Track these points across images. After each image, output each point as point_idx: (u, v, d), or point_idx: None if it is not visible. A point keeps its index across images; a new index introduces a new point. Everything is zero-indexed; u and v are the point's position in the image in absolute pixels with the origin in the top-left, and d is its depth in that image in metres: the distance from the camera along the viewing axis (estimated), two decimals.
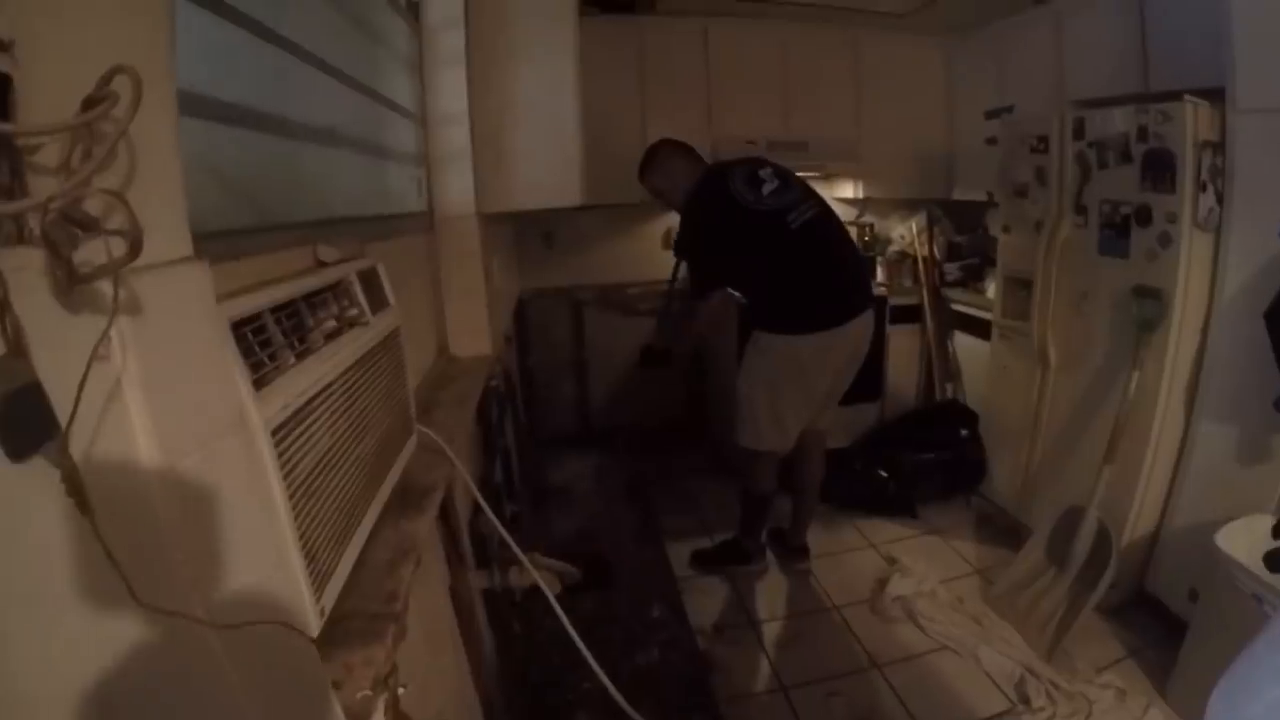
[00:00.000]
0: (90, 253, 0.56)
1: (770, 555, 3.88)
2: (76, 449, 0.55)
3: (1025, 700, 2.77)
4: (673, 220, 5.22)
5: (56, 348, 0.54)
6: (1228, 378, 2.91)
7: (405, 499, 1.61)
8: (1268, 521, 2.16)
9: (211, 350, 0.80)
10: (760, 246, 3.25)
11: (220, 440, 0.77)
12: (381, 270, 1.66)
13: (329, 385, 1.17)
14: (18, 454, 0.51)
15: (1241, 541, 2.41)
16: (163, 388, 0.66)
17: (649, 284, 5.17)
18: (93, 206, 0.55)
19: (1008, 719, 2.71)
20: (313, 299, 1.25)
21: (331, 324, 1.27)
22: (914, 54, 5.12)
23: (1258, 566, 2.12)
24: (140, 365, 0.63)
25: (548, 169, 2.96)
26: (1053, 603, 3.12)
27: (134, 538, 0.61)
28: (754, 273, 3.31)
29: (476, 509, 2.39)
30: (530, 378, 4.96)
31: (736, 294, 3.47)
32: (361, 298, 1.46)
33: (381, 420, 1.47)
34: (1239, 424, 2.89)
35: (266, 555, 0.87)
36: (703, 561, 3.81)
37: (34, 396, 0.52)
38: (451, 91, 2.76)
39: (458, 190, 2.82)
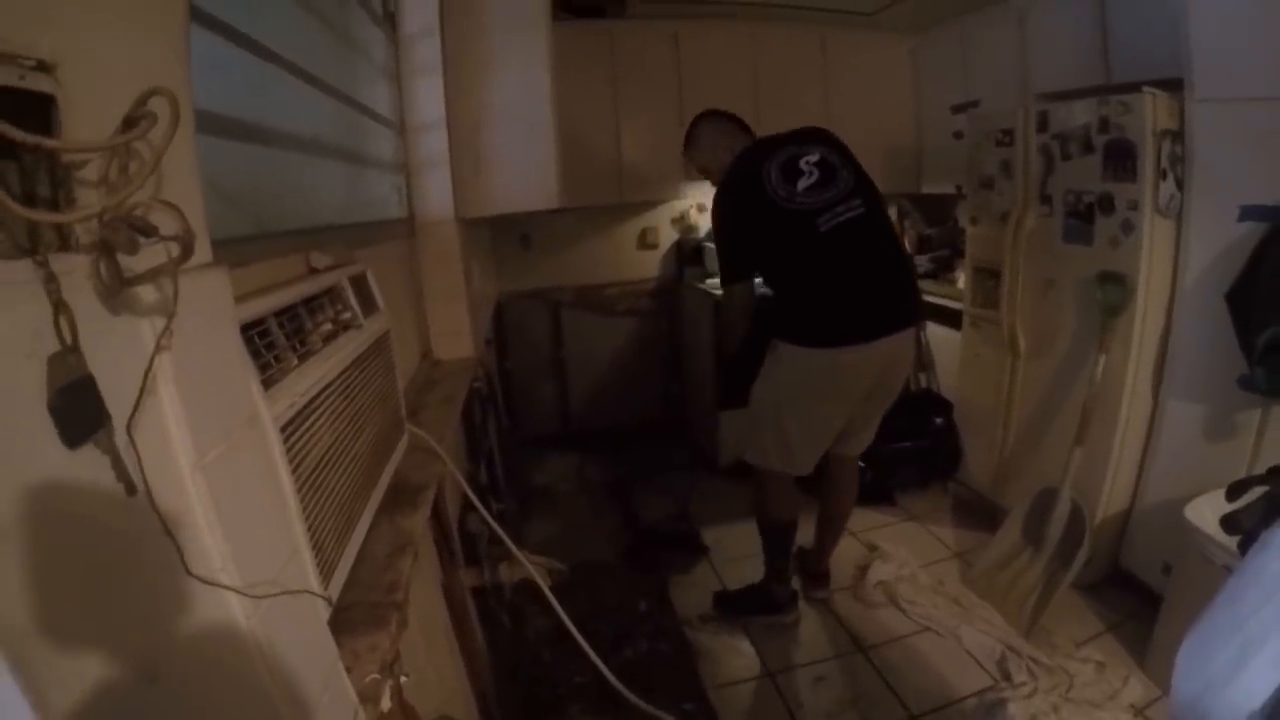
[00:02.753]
0: (137, 260, 0.61)
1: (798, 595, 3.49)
2: (121, 437, 0.61)
3: (1007, 676, 2.83)
4: (651, 219, 5.31)
5: (100, 345, 0.59)
6: (1192, 358, 2.99)
7: (399, 497, 1.66)
8: None
9: (229, 351, 0.86)
10: (785, 247, 2.90)
11: (239, 434, 0.83)
12: (371, 275, 1.71)
13: (329, 385, 1.23)
14: (73, 442, 0.56)
15: (1210, 515, 2.45)
16: (192, 384, 0.71)
17: (626, 284, 5.24)
18: (148, 215, 0.60)
19: (990, 695, 2.75)
20: (310, 303, 1.30)
21: (328, 327, 1.33)
22: (881, 51, 5.20)
23: (1226, 538, 2.20)
24: (173, 363, 0.68)
25: (524, 173, 2.99)
26: (1030, 581, 3.19)
27: (173, 520, 0.67)
28: (777, 273, 2.97)
29: (464, 508, 2.44)
30: (510, 379, 5.00)
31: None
32: (354, 302, 1.52)
33: (376, 419, 1.53)
34: (1205, 402, 2.97)
35: (283, 545, 0.92)
36: (727, 606, 3.41)
37: (87, 389, 0.58)
38: (429, 99, 2.80)
39: (437, 196, 2.86)
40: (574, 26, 4.43)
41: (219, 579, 0.72)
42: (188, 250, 0.62)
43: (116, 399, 0.62)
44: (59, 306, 0.54)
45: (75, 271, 0.58)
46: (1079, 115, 3.16)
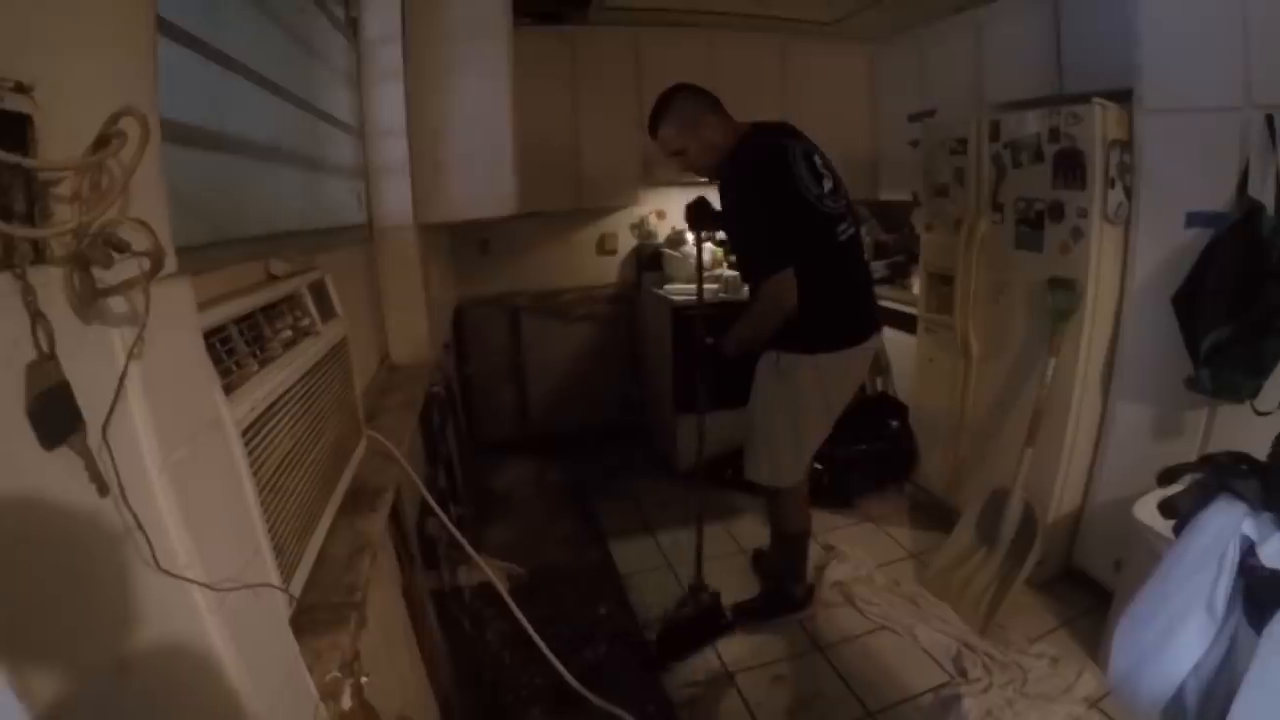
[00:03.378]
0: (110, 273, 0.64)
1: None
2: (93, 439, 0.63)
3: (963, 672, 2.89)
4: (610, 225, 5.32)
5: (74, 352, 0.61)
6: (1140, 360, 3.08)
7: (358, 500, 1.68)
8: None
9: (193, 357, 0.88)
10: (811, 248, 2.86)
11: (203, 436, 0.85)
12: (329, 282, 1.72)
13: (288, 390, 1.25)
14: (49, 444, 0.58)
15: (1157, 512, 2.54)
16: (158, 388, 0.73)
17: (585, 290, 5.27)
18: (121, 231, 0.63)
19: (947, 691, 2.81)
20: (270, 310, 1.32)
21: (288, 333, 1.34)
22: (840, 60, 5.28)
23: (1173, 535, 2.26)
24: (141, 369, 0.70)
25: (483, 180, 3.00)
26: (984, 580, 3.26)
27: (141, 518, 0.69)
28: (798, 275, 2.81)
29: (423, 512, 2.45)
30: (468, 384, 4.99)
31: None
32: (312, 308, 1.53)
33: (334, 424, 1.54)
34: (1153, 403, 3.05)
35: (246, 544, 0.94)
36: (749, 615, 3.36)
37: (63, 395, 0.60)
38: (389, 105, 2.80)
39: (396, 202, 2.85)
40: (535, 32, 4.46)
41: (184, 574, 0.74)
42: (158, 265, 0.65)
43: (90, 403, 0.64)
44: (36, 317, 0.56)
45: (50, 283, 0.60)
46: (1030, 125, 3.24)
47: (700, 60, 4.80)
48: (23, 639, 0.53)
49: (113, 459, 0.66)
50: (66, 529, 0.61)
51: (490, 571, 1.93)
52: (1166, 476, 1.38)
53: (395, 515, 2.03)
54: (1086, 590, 3.28)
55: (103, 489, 0.64)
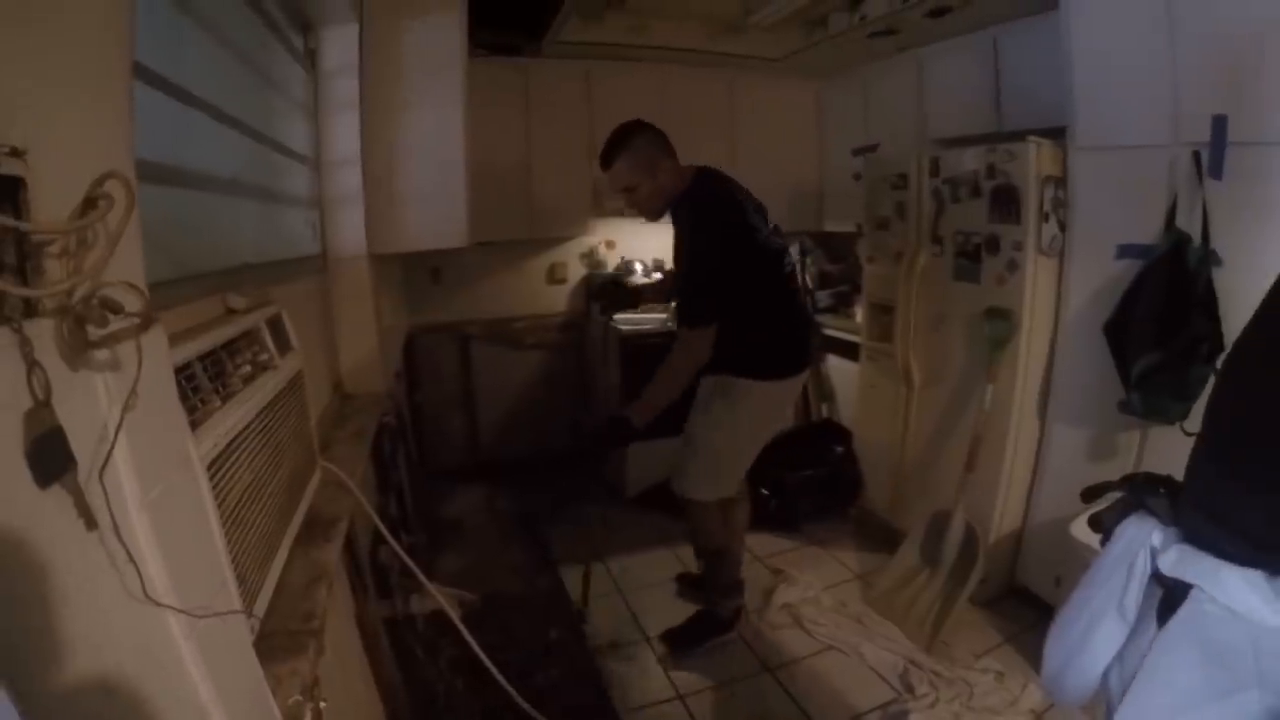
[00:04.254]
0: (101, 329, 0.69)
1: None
2: (83, 479, 0.68)
3: (909, 689, 2.95)
4: (561, 254, 5.36)
5: (66, 397, 0.66)
6: (1075, 385, 3.19)
7: (313, 530, 1.70)
8: None
9: (167, 399, 0.92)
10: (762, 285, 3.02)
11: (175, 475, 0.89)
12: (285, 316, 1.76)
13: (248, 425, 1.29)
14: (43, 483, 0.63)
15: (1094, 531, 2.63)
16: (138, 431, 0.77)
17: (535, 318, 5.31)
18: (114, 293, 0.67)
19: (894, 708, 2.87)
20: (230, 346, 1.35)
21: (247, 369, 1.38)
22: (786, 94, 5.41)
23: None
24: (123, 414, 0.75)
25: (436, 211, 3.04)
26: (929, 599, 3.34)
27: (124, 551, 0.74)
28: (751, 310, 2.98)
29: (375, 541, 2.47)
30: (419, 412, 4.98)
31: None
32: (270, 343, 1.57)
33: (291, 455, 1.58)
34: (1088, 426, 3.16)
35: (214, 575, 0.98)
36: (678, 642, 3.37)
37: (57, 439, 0.64)
38: (345, 135, 2.83)
39: (350, 232, 2.88)
40: (490, 64, 4.50)
41: (165, 602, 0.78)
42: (147, 323, 0.69)
43: (79, 445, 0.68)
44: (33, 366, 0.61)
45: (43, 335, 0.64)
46: (968, 162, 3.35)
47: (651, 93, 4.88)
48: (18, 662, 0.57)
49: (106, 496, 0.70)
50: (56, 561, 0.65)
51: (442, 599, 1.97)
52: (1090, 494, 1.47)
53: (349, 544, 2.05)
54: (1029, 606, 3.37)
55: (90, 524, 0.68)
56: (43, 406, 0.62)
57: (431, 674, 2.78)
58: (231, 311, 1.56)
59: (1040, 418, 3.34)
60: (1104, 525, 1.36)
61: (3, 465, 0.60)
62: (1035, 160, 3.08)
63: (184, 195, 1.56)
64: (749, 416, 3.13)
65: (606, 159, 3.03)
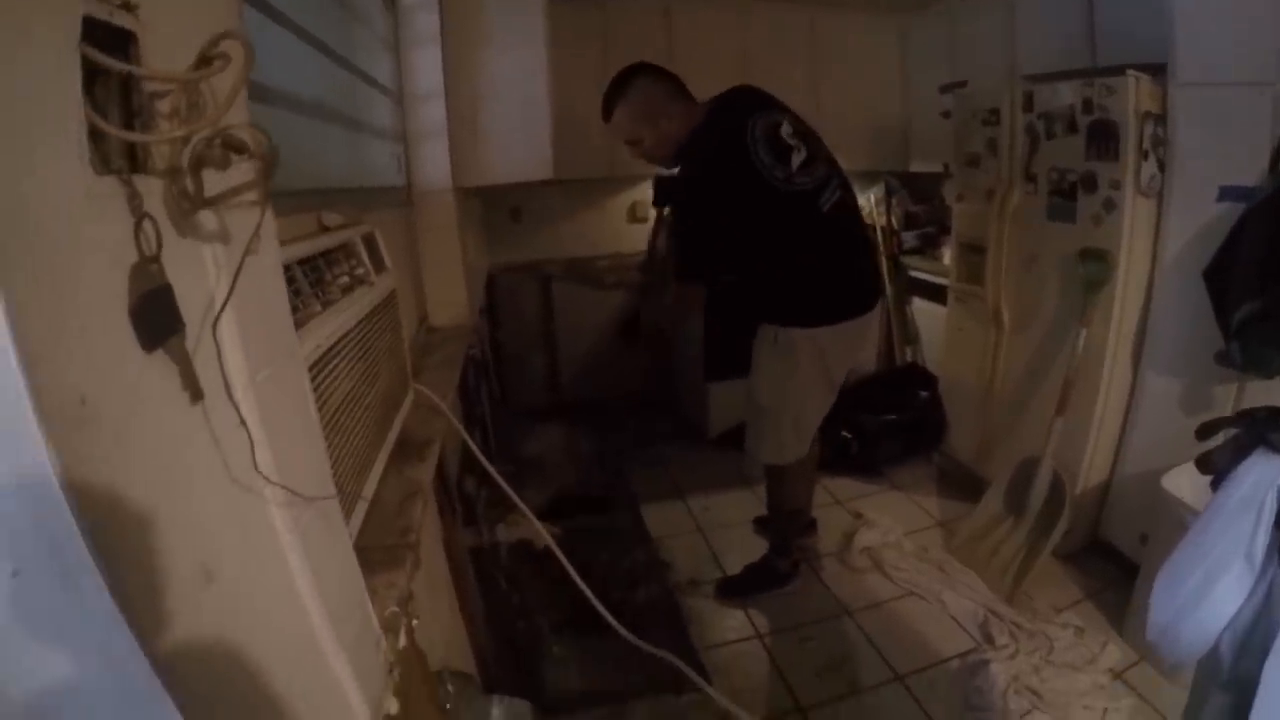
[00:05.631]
0: (213, 183, 0.67)
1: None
2: (193, 344, 0.67)
3: (989, 639, 2.91)
4: (641, 192, 5.31)
5: (174, 260, 0.64)
6: (1171, 333, 3.07)
7: (405, 451, 1.71)
8: None
9: (274, 283, 0.91)
10: (786, 232, 2.76)
11: (282, 362, 0.88)
12: (379, 235, 1.76)
13: (347, 334, 1.28)
14: (149, 345, 0.61)
15: (1186, 484, 2.53)
16: (246, 308, 0.76)
17: (616, 257, 5.28)
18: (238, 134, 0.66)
19: (974, 657, 2.83)
20: (328, 256, 1.35)
21: (345, 280, 1.38)
22: (869, 32, 5.24)
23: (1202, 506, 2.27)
24: (232, 285, 0.73)
25: (520, 145, 3.04)
26: (1011, 550, 3.27)
27: (229, 430, 0.73)
28: (775, 261, 2.81)
29: (460, 470, 2.49)
30: (500, 351, 5.02)
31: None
32: (366, 258, 1.57)
33: (386, 373, 1.58)
34: (1183, 376, 3.05)
35: (316, 472, 0.97)
36: (732, 591, 3.33)
37: (164, 297, 0.63)
38: (427, 70, 2.83)
39: (434, 166, 2.89)
40: (568, 4, 4.45)
41: (274, 479, 0.77)
42: (269, 167, 0.68)
43: (187, 309, 0.67)
44: (142, 219, 0.59)
45: (153, 193, 0.63)
46: (1064, 96, 3.22)
47: (731, 32, 4.81)
48: (118, 541, 0.55)
49: (220, 357, 0.69)
50: (159, 433, 0.64)
51: (538, 524, 1.95)
52: (1205, 430, 1.39)
53: (439, 469, 2.06)
54: (1112, 562, 3.29)
55: (196, 395, 0.66)
56: (150, 262, 0.60)
57: (514, 603, 2.81)
58: (325, 229, 1.56)
59: (1133, 366, 3.22)
60: (1216, 466, 1.28)
61: (106, 323, 0.58)
62: (1134, 95, 2.93)
63: (271, 113, 1.55)
64: (809, 368, 2.91)
65: (605, 111, 2.89)
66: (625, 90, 2.83)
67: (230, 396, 0.72)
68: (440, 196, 2.90)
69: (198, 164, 0.63)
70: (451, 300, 2.98)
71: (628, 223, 5.43)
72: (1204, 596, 1.17)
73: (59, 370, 0.51)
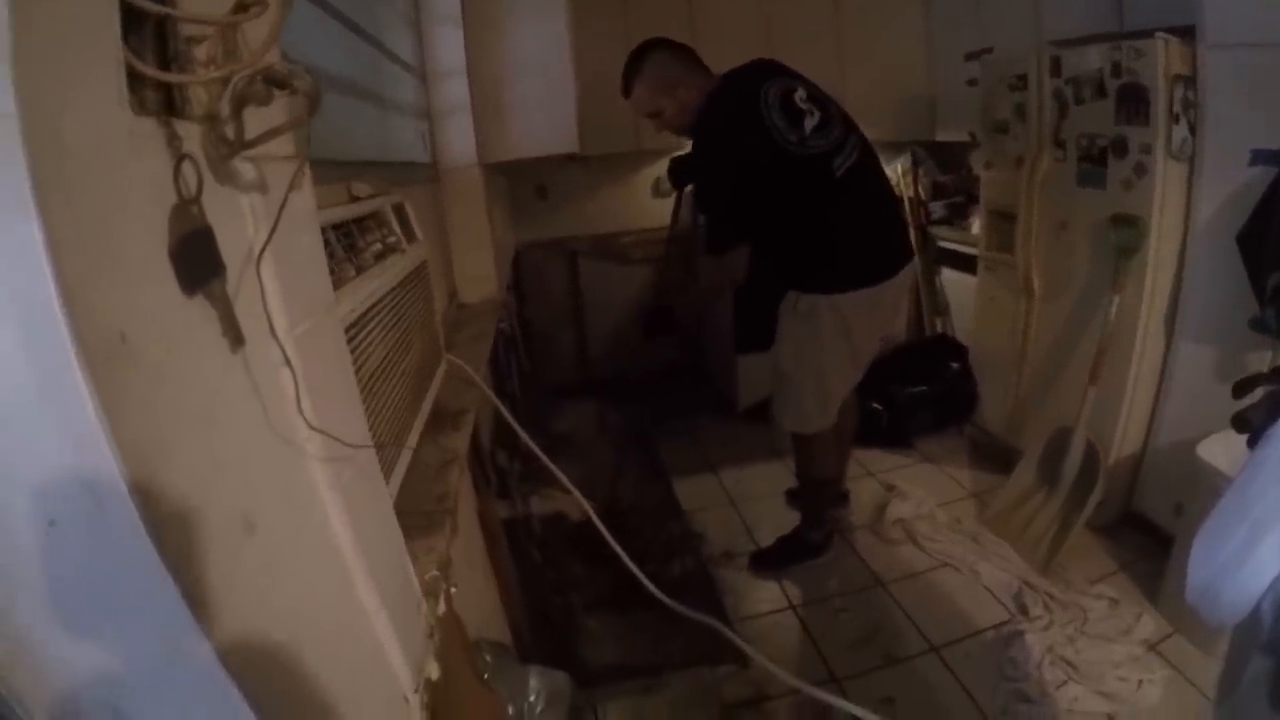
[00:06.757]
0: (253, 123, 0.67)
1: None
2: (233, 287, 0.66)
3: (1024, 610, 2.89)
4: (663, 168, 5.30)
5: (213, 203, 0.64)
6: (1204, 299, 3.02)
7: (440, 421, 1.72)
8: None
9: (312, 237, 0.90)
10: (804, 198, 2.77)
11: (320, 317, 0.88)
12: (409, 206, 1.76)
13: (381, 299, 1.28)
14: (190, 289, 0.60)
15: (1221, 452, 2.50)
16: (285, 260, 0.76)
17: (642, 232, 5.25)
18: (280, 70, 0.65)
19: (1008, 628, 2.81)
20: (360, 223, 1.35)
21: (378, 247, 1.38)
22: (893, 2, 5.19)
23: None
24: (271, 233, 0.73)
25: (545, 119, 3.06)
26: (1045, 521, 3.24)
27: (270, 379, 0.73)
28: (792, 225, 2.82)
29: (493, 444, 2.49)
30: (528, 328, 4.99)
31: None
32: (397, 227, 1.57)
33: (419, 343, 1.58)
34: (1217, 343, 3.01)
35: (355, 430, 0.97)
36: (764, 564, 3.34)
37: (205, 239, 0.62)
38: (449, 47, 2.84)
39: (460, 142, 2.90)
40: None
41: (317, 426, 0.77)
42: (313, 103, 0.67)
43: (227, 256, 0.66)
44: (181, 160, 0.58)
45: (192, 137, 0.62)
46: (1092, 60, 3.17)
47: (753, 2, 4.76)
48: (158, 488, 0.55)
49: (266, 303, 0.69)
50: (199, 378, 0.63)
51: (573, 488, 1.95)
52: (1241, 387, 1.36)
53: (473, 440, 2.06)
54: (1146, 535, 3.25)
55: (237, 341, 0.66)
56: (191, 204, 0.59)
57: (549, 577, 2.81)
58: (356, 198, 1.56)
59: (1166, 333, 3.17)
60: (1253, 423, 1.25)
61: (146, 263, 0.57)
62: (1164, 57, 2.87)
63: None
64: (832, 337, 2.88)
65: (625, 86, 2.93)
66: (641, 65, 2.88)
67: (275, 336, 0.71)
68: (466, 172, 2.91)
69: (240, 103, 0.63)
70: (481, 276, 2.99)
71: (653, 197, 5.40)
72: (1246, 558, 1.14)
73: (98, 304, 0.51)
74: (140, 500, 0.53)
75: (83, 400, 0.50)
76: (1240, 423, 1.29)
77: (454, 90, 2.88)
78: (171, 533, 0.56)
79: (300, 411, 0.73)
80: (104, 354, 0.51)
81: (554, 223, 5.23)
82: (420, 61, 2.82)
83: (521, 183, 5.03)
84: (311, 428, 0.76)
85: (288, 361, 0.71)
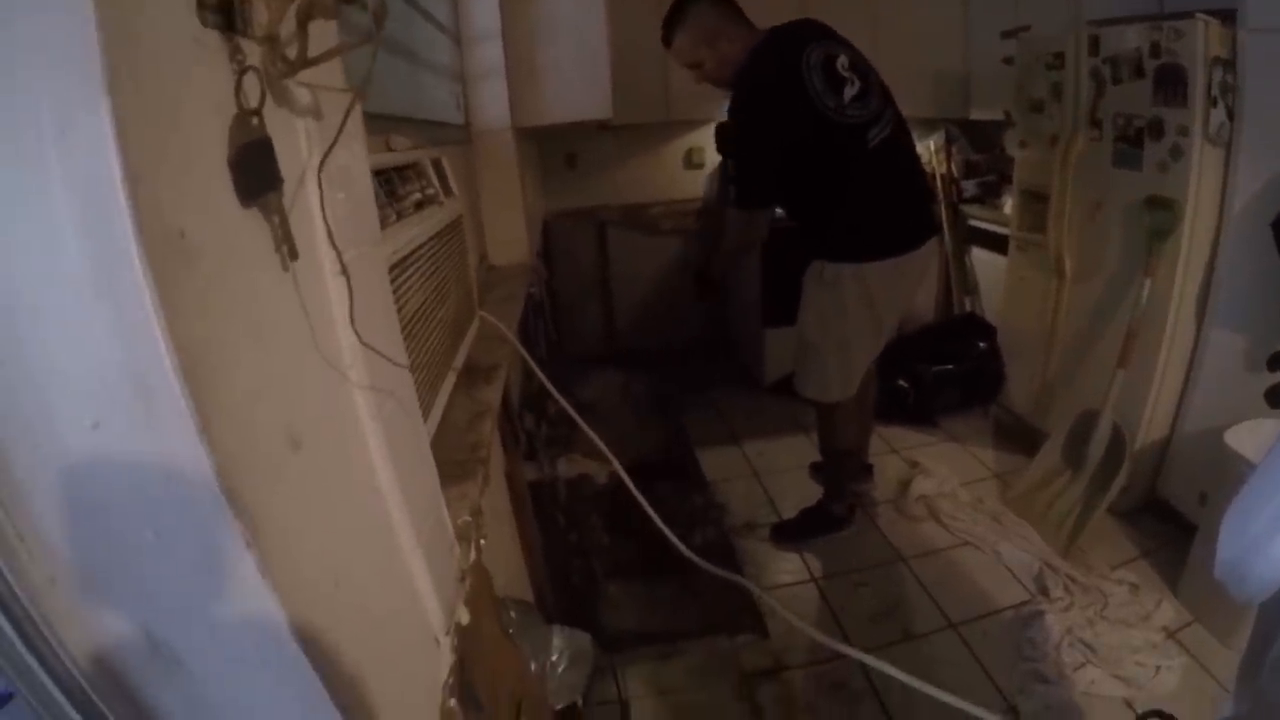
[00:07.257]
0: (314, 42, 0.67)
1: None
2: (289, 200, 0.67)
3: (1044, 592, 2.88)
4: (698, 138, 5.27)
5: (274, 119, 0.64)
6: (1237, 286, 2.99)
7: (473, 375, 1.73)
8: (1274, 425, 2.24)
9: (362, 172, 0.91)
10: (833, 162, 2.76)
11: (368, 249, 0.88)
12: (446, 161, 1.76)
13: (420, 247, 1.29)
14: (247, 198, 0.61)
15: (1249, 440, 2.49)
16: (336, 186, 0.76)
17: (671, 204, 5.25)
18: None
19: (1028, 608, 2.81)
20: (401, 172, 1.36)
21: (417, 196, 1.38)
22: None
23: None
24: (325, 157, 0.73)
25: (579, 84, 3.05)
26: (1068, 503, 3.23)
27: (317, 301, 0.74)
28: (821, 190, 2.83)
29: (521, 406, 2.50)
30: (556, 298, 4.99)
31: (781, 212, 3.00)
32: (435, 181, 1.57)
33: (454, 295, 1.59)
34: (1248, 331, 2.98)
35: (397, 356, 0.98)
36: (786, 535, 3.34)
37: (264, 150, 0.63)
38: (484, 11, 2.84)
39: (493, 105, 2.90)
40: None
41: (368, 341, 0.78)
42: (380, 18, 0.67)
43: (285, 171, 0.67)
44: (244, 72, 0.59)
45: (253, 53, 0.62)
46: (1131, 39, 3.13)
47: None
48: (207, 391, 0.54)
49: (322, 196, 0.69)
50: (253, 288, 0.64)
51: (603, 446, 1.95)
52: (1276, 359, 1.35)
53: (503, 399, 2.07)
54: (1169, 522, 3.22)
55: (291, 254, 0.66)
56: (252, 115, 0.60)
57: (572, 541, 2.83)
58: (394, 152, 1.57)
59: (1198, 318, 3.13)
60: None
61: (207, 165, 0.57)
62: (1203, 39, 2.84)
63: None
64: (856, 306, 2.89)
65: (666, 36, 2.89)
66: (684, 15, 2.82)
67: (334, 244, 0.72)
68: (499, 136, 2.91)
69: (307, 14, 0.63)
70: (511, 240, 3.00)
71: (684, 169, 5.36)
72: (1276, 534, 1.14)
73: (160, 195, 0.51)
74: (192, 398, 0.52)
75: (140, 289, 0.48)
76: (1274, 397, 1.28)
77: (489, 53, 2.88)
78: (219, 438, 0.55)
79: (352, 323, 0.73)
80: (163, 246, 0.50)
81: (583, 192, 5.20)
82: (455, 24, 2.82)
83: (552, 151, 5.01)
84: (362, 342, 0.77)
85: (344, 270, 0.71)
